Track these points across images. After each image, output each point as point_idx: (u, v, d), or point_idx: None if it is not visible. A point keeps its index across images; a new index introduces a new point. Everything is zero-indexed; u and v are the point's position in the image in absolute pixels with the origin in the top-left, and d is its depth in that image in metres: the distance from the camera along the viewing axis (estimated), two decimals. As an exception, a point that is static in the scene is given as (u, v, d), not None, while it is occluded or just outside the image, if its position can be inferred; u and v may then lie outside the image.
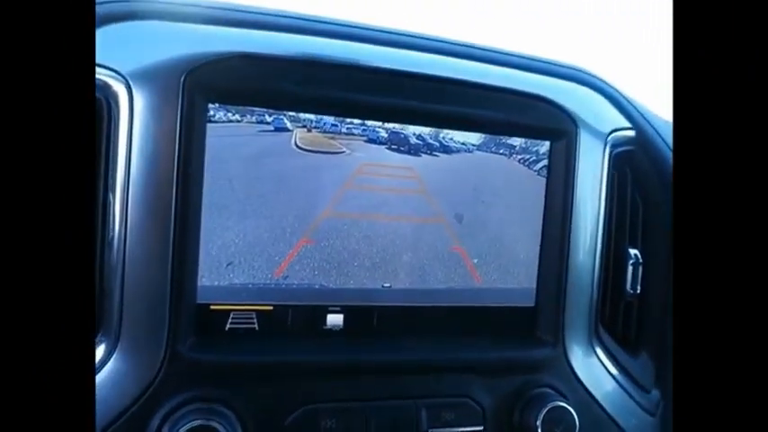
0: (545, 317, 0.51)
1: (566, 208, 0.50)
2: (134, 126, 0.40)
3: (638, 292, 0.54)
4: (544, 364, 0.49)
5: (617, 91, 0.56)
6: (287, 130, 0.44)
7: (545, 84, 0.51)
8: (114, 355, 0.39)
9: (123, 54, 0.40)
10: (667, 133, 0.57)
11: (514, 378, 0.49)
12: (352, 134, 0.46)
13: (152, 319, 0.40)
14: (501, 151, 0.50)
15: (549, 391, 0.48)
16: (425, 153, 0.48)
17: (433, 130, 0.48)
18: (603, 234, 0.53)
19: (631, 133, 0.55)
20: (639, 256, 0.54)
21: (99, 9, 0.40)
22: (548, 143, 0.51)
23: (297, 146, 0.44)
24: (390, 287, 0.47)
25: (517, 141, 0.50)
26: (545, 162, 0.51)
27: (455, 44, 0.50)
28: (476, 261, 0.50)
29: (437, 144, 0.48)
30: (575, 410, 0.47)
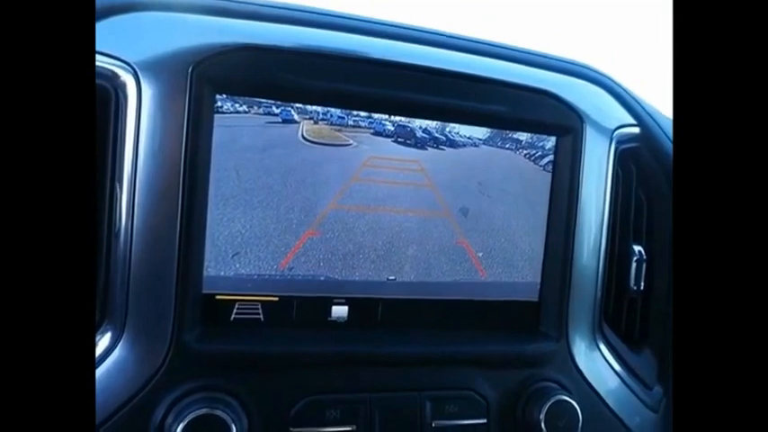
0: (549, 311, 0.51)
1: (571, 203, 0.51)
2: (142, 116, 0.40)
3: (642, 288, 0.54)
4: (547, 359, 0.50)
5: (623, 88, 0.56)
6: (294, 121, 0.44)
7: (552, 80, 0.51)
8: (120, 344, 0.39)
9: (132, 45, 0.40)
10: (670, 128, 0.57)
11: (518, 372, 0.49)
12: (359, 126, 0.46)
13: (158, 309, 0.40)
14: (507, 146, 0.50)
15: (552, 385, 0.49)
16: (431, 147, 0.48)
17: (439, 123, 0.48)
18: (608, 230, 0.53)
19: (636, 130, 0.55)
20: (643, 252, 0.54)
21: (107, 0, 0.40)
22: (554, 139, 0.51)
23: (304, 138, 0.45)
24: (395, 280, 0.47)
25: (523, 136, 0.50)
26: (551, 157, 0.51)
27: (462, 39, 0.50)
28: (480, 255, 0.50)
29: (443, 138, 0.48)
30: (578, 405, 0.47)
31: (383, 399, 0.45)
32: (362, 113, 0.46)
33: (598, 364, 0.52)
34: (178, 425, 0.38)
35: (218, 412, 0.39)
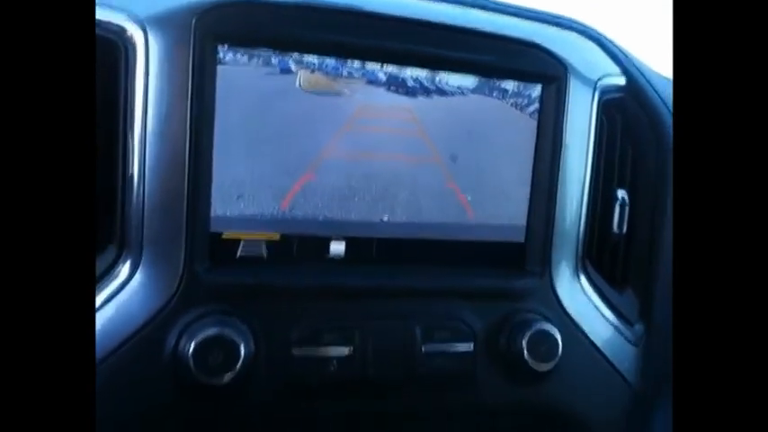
0: (533, 251, 0.54)
1: (555, 149, 0.53)
2: (150, 68, 0.43)
3: (625, 231, 0.57)
4: (531, 293, 0.53)
5: (608, 40, 0.58)
6: (291, 71, 0.47)
7: (537, 30, 0.53)
8: (138, 271, 0.43)
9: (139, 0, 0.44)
10: (657, 82, 0.59)
11: (503, 304, 0.52)
12: (353, 76, 0.49)
13: (171, 244, 0.44)
14: (495, 95, 0.53)
15: (534, 316, 0.52)
16: (422, 96, 0.51)
17: (429, 73, 0.51)
18: (592, 175, 0.55)
19: (622, 81, 0.57)
20: (626, 197, 0.57)
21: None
22: (540, 87, 0.54)
23: (300, 87, 0.48)
24: (389, 220, 0.51)
25: (510, 85, 0.53)
26: (537, 106, 0.54)
27: None
28: (469, 198, 0.53)
29: (433, 87, 0.51)
30: (558, 333, 0.51)
31: (377, 325, 0.48)
32: (356, 64, 0.49)
33: (579, 299, 0.55)
34: (191, 343, 0.42)
35: (228, 332, 0.43)
